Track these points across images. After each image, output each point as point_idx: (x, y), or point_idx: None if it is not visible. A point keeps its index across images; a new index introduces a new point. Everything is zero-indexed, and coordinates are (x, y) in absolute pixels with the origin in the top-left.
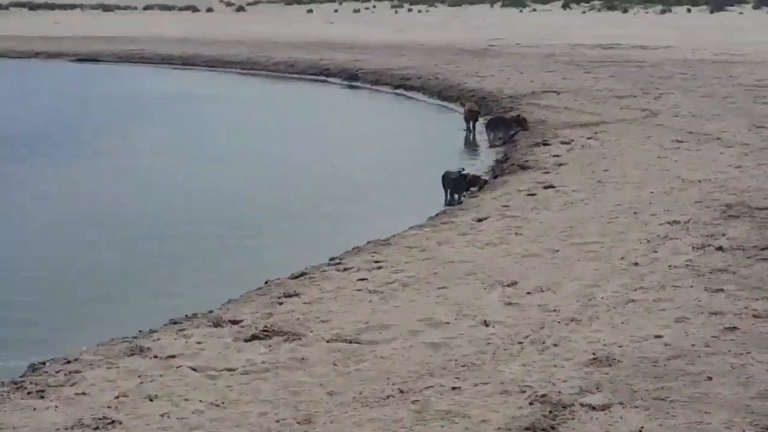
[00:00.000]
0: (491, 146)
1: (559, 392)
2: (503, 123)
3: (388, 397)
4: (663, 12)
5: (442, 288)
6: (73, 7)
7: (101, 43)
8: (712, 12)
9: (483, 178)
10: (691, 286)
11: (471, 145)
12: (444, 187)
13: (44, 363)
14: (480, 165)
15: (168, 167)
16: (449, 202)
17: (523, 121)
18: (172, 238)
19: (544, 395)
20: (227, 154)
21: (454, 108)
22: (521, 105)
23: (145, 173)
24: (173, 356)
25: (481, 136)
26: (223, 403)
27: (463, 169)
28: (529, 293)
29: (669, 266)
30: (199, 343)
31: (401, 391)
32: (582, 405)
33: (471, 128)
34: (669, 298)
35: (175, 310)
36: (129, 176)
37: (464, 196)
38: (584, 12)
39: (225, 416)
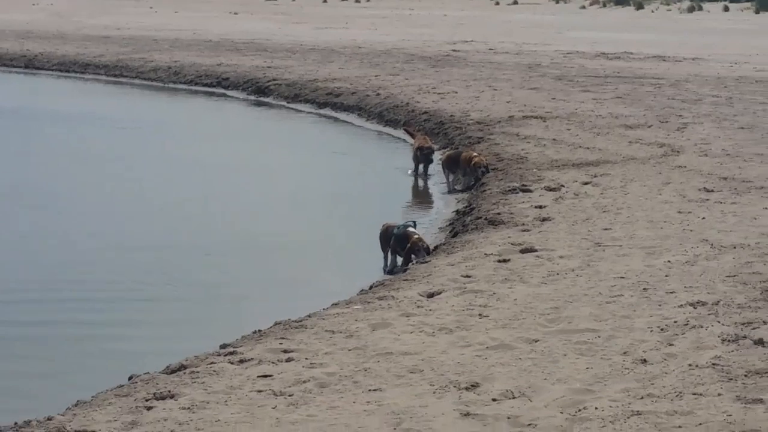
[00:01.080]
0: (450, 191)
1: None
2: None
3: None
4: (691, 10)
5: (375, 390)
6: None
7: None
8: (757, 12)
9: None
10: (719, 394)
11: (422, 190)
12: (383, 247)
13: None
14: (434, 218)
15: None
16: (390, 269)
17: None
18: None
19: None
20: (71, 196)
21: (401, 137)
22: (493, 134)
23: None
24: None
25: (437, 177)
26: None
27: (413, 223)
28: (495, 400)
29: (689, 365)
30: None
31: None
32: None
33: (422, 172)
34: (688, 410)
35: (0, 417)
36: None
37: (412, 260)
38: (583, 7)
39: None
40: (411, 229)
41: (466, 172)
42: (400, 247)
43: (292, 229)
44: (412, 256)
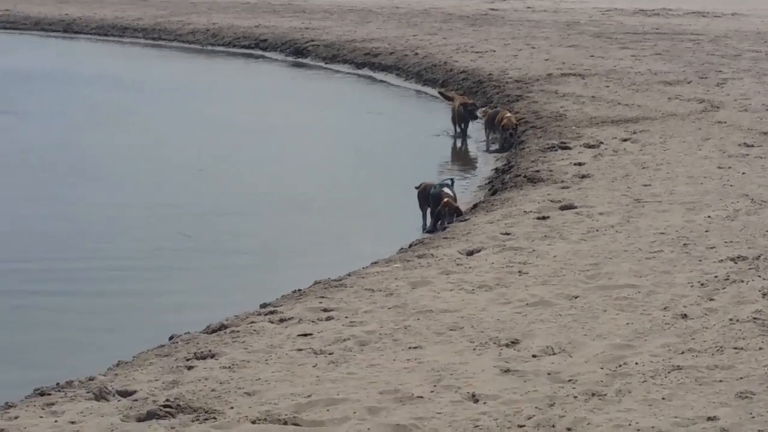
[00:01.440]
0: (488, 150)
1: None
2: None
3: None
4: None
5: (415, 348)
6: None
7: None
8: None
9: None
10: (760, 348)
11: (461, 148)
12: (421, 206)
13: None
14: (472, 177)
15: (47, 179)
16: (429, 228)
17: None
18: (41, 279)
19: None
20: (124, 159)
21: (439, 96)
22: (532, 93)
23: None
24: None
25: (476, 136)
26: None
27: (450, 181)
28: (535, 356)
29: (730, 320)
30: (73, 423)
31: None
32: None
33: (462, 131)
34: (729, 364)
35: (43, 377)
36: None
37: (452, 219)
38: None
39: None
40: (446, 190)
41: (498, 132)
42: (435, 207)
43: (330, 189)
44: (441, 217)
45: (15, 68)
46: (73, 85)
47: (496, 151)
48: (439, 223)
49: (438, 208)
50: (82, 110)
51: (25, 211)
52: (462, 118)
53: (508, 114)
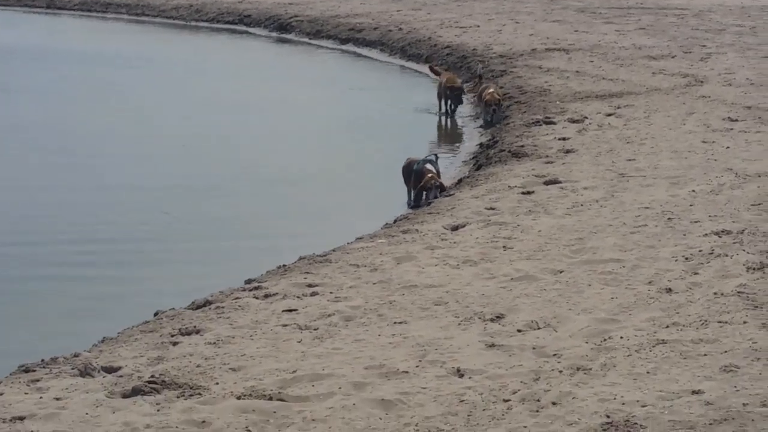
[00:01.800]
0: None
1: None
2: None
3: None
4: None
5: (400, 323)
6: None
7: None
8: None
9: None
10: (744, 322)
11: (446, 124)
12: (406, 182)
13: None
14: (457, 152)
15: (29, 158)
16: (412, 204)
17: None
18: (25, 256)
19: None
20: (107, 137)
21: (424, 71)
22: (516, 68)
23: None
24: (21, 418)
25: (460, 110)
26: None
27: (434, 157)
28: (519, 331)
29: (714, 294)
30: (58, 399)
31: None
32: None
33: (448, 110)
34: (714, 338)
35: (27, 353)
36: None
37: (424, 198)
38: None
39: None
40: (428, 166)
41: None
42: (417, 182)
43: (315, 165)
44: (424, 193)
45: None
46: (56, 62)
47: (481, 126)
48: (424, 198)
49: (420, 183)
50: (66, 87)
51: (7, 192)
52: (448, 99)
53: (491, 89)
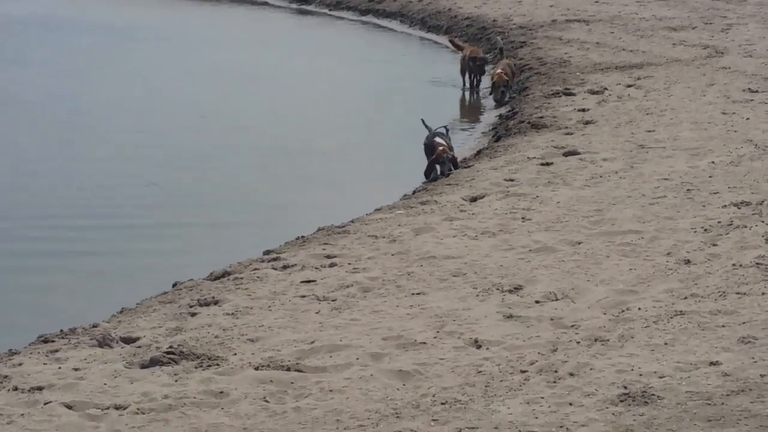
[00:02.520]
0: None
1: None
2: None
3: None
4: None
5: (418, 294)
6: None
7: None
8: None
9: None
10: (763, 294)
11: (465, 95)
12: (427, 154)
13: None
14: (476, 123)
15: (44, 131)
16: (425, 176)
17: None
18: (45, 227)
19: None
20: (126, 109)
21: (444, 42)
22: (536, 39)
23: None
24: (40, 388)
25: (484, 83)
26: None
27: (444, 129)
28: (537, 302)
29: (733, 265)
30: (77, 369)
31: None
32: None
33: (473, 84)
34: (732, 310)
35: (46, 324)
36: None
37: (436, 171)
38: None
39: None
40: (438, 139)
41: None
42: (429, 155)
43: (334, 136)
44: (437, 167)
45: (7, 15)
46: (74, 35)
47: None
48: (439, 171)
49: (434, 156)
50: (84, 59)
51: (27, 164)
52: (470, 70)
53: (499, 70)
